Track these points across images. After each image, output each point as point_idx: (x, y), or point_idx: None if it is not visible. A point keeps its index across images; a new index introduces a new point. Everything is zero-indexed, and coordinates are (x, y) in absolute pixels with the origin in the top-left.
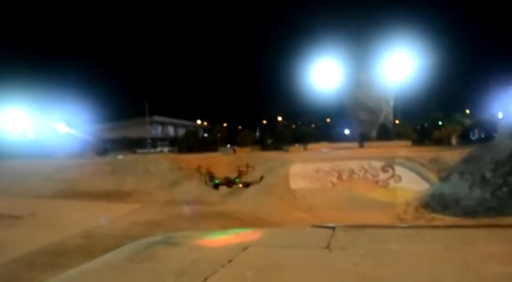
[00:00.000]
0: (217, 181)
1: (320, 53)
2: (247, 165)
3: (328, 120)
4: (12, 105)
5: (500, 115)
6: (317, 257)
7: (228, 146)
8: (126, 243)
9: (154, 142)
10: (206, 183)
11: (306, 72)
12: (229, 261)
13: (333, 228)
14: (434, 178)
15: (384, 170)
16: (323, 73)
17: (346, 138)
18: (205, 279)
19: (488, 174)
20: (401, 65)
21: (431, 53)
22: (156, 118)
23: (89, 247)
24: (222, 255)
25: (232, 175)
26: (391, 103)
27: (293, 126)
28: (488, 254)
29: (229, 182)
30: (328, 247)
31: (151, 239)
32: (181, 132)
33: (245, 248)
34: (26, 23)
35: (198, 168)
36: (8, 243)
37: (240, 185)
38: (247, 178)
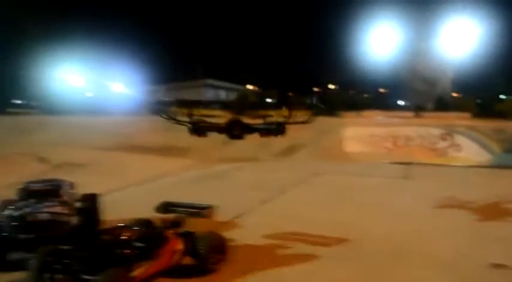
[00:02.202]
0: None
1: (377, 19)
2: None
3: (381, 90)
4: (71, 66)
5: None
6: (397, 183)
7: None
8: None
9: (207, 105)
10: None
11: (361, 39)
12: (303, 181)
13: (409, 164)
14: (496, 149)
15: (442, 138)
16: (379, 41)
17: (400, 109)
18: (283, 192)
19: None
20: (463, 34)
21: (496, 22)
22: (209, 81)
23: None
24: (295, 177)
25: (286, 138)
26: (450, 74)
27: (345, 94)
28: None
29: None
30: (407, 177)
31: (223, 166)
32: (232, 96)
33: (317, 174)
34: None
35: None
36: None
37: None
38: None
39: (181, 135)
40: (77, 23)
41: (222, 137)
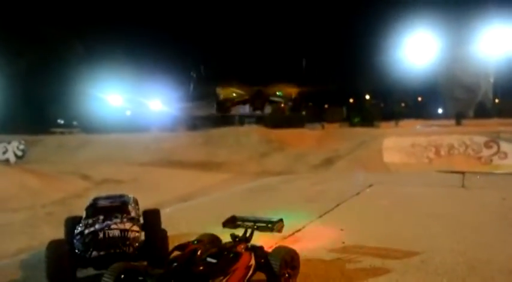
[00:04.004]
0: None
1: (413, 25)
2: None
3: (419, 99)
4: (110, 86)
5: None
6: (455, 192)
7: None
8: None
9: (242, 119)
10: None
11: (396, 47)
12: (357, 193)
13: (463, 173)
14: None
15: (487, 145)
16: (415, 48)
17: (439, 118)
18: (337, 205)
19: None
20: (503, 38)
21: None
22: None
23: None
24: (347, 189)
25: (322, 150)
26: (491, 80)
27: (381, 104)
28: None
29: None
30: (463, 186)
31: (271, 178)
32: (267, 109)
33: (369, 185)
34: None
35: None
36: None
37: None
38: None
39: (219, 151)
40: (115, 44)
41: (259, 151)
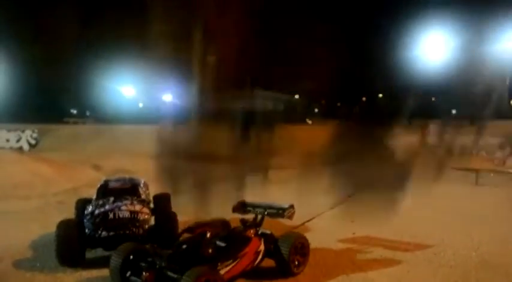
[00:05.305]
0: None
1: (428, 25)
2: None
3: (433, 99)
4: (123, 77)
5: None
6: (469, 190)
7: None
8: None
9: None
10: None
11: (410, 45)
12: (369, 185)
13: (477, 170)
14: None
15: (501, 147)
16: (429, 47)
17: (453, 118)
18: (351, 195)
19: None
20: None
21: None
22: (256, 91)
23: None
24: (359, 182)
25: (334, 148)
26: (507, 82)
27: (394, 104)
28: None
29: None
30: (477, 184)
31: (282, 171)
32: (279, 106)
33: (381, 179)
34: None
35: None
36: None
37: None
38: None
39: (229, 145)
40: (130, 35)
41: (269, 146)
